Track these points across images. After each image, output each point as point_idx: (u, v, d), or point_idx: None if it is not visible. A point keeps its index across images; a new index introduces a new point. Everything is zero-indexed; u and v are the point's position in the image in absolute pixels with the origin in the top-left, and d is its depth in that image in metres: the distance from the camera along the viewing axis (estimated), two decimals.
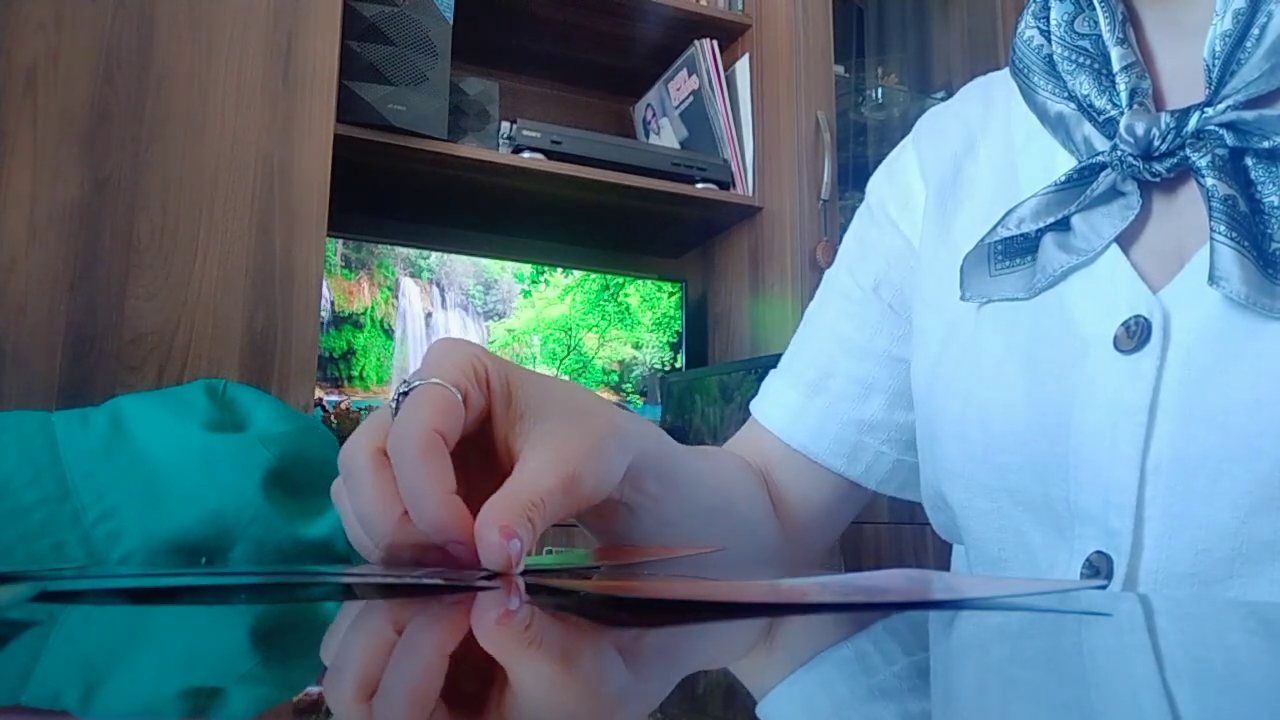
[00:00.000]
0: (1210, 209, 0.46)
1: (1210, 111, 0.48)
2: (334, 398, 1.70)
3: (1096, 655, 0.22)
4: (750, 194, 1.90)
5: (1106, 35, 0.52)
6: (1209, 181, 0.46)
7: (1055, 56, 0.54)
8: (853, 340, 0.65)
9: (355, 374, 1.73)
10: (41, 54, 1.36)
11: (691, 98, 1.96)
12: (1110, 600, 0.33)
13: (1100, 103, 0.51)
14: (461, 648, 0.23)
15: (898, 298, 0.64)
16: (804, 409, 0.66)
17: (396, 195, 1.84)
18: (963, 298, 0.56)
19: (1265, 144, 0.46)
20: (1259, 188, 0.46)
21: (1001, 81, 0.63)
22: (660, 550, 0.46)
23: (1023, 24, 0.57)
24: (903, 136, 0.69)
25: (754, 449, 0.67)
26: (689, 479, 0.53)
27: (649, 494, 0.48)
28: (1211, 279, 0.44)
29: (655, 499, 0.49)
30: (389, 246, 1.80)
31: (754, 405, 0.69)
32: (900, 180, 0.66)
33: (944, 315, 0.59)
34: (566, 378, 0.46)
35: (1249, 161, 0.47)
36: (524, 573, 0.38)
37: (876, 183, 0.68)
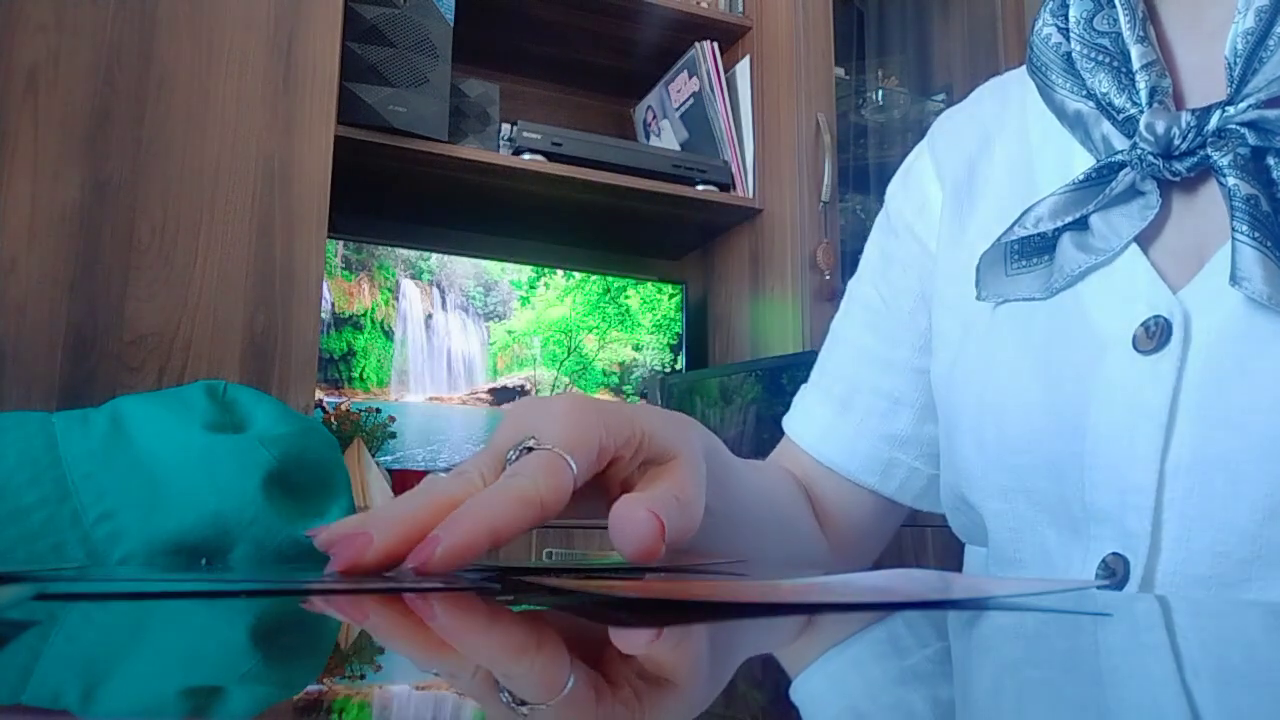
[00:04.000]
0: (1232, 208, 0.45)
1: (1231, 110, 0.47)
2: (334, 399, 1.70)
3: (1094, 655, 0.22)
4: (750, 196, 1.90)
5: (1126, 33, 0.52)
6: (1230, 181, 0.46)
7: (1074, 54, 0.54)
8: (877, 353, 0.65)
9: (355, 375, 1.73)
10: (42, 55, 1.36)
11: (692, 99, 1.96)
12: (1111, 600, 0.33)
13: (1120, 101, 0.51)
14: (455, 648, 0.23)
15: (919, 306, 0.64)
16: (835, 425, 0.65)
17: (397, 197, 1.84)
18: (978, 297, 0.56)
19: None
20: None
21: (1017, 80, 0.63)
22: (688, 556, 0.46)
23: (1040, 22, 0.57)
24: (903, 138, 0.69)
25: (793, 464, 0.67)
26: (744, 492, 0.53)
27: (709, 509, 0.49)
28: (1233, 279, 0.44)
29: (712, 512, 0.49)
30: (389, 248, 1.80)
31: (786, 421, 0.69)
32: (916, 186, 0.65)
33: (960, 316, 0.58)
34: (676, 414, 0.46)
35: (1270, 161, 0.46)
36: (523, 572, 0.38)
37: (893, 191, 0.68)
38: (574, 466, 0.37)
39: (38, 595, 0.28)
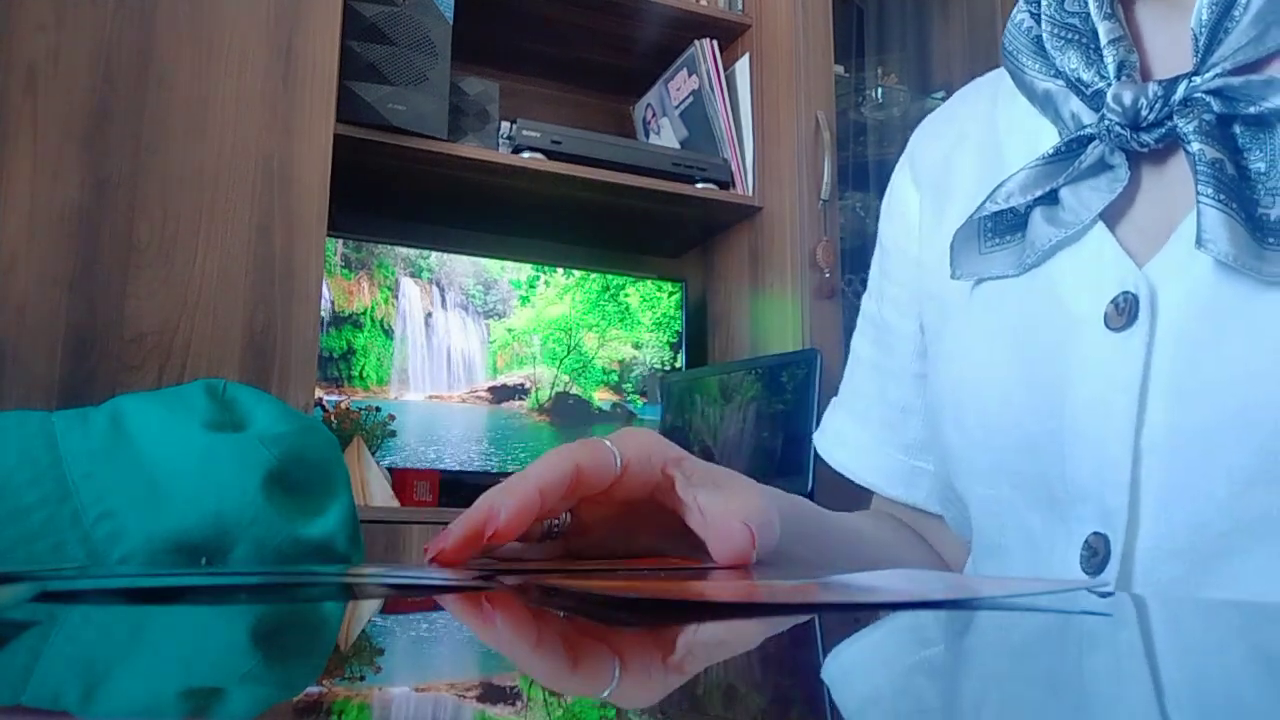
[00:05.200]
0: (1196, 173, 0.45)
1: (1198, 80, 0.47)
2: (334, 398, 1.70)
3: (1090, 655, 0.22)
4: (750, 194, 1.90)
5: (1094, 11, 0.53)
6: (1195, 146, 0.46)
7: (1044, 36, 0.55)
8: (882, 365, 0.67)
9: (355, 374, 1.73)
10: (42, 54, 1.36)
11: (691, 97, 1.96)
12: (1108, 601, 0.33)
13: (1088, 76, 0.51)
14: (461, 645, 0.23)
15: (910, 313, 0.65)
16: (859, 439, 0.67)
17: (396, 195, 1.84)
18: (953, 276, 0.56)
19: (1252, 109, 0.46)
20: (1246, 154, 0.46)
21: (993, 80, 0.64)
22: (684, 560, 0.46)
23: (1015, 9, 0.58)
24: (903, 136, 0.70)
25: (889, 510, 0.68)
26: (840, 537, 0.57)
27: (799, 556, 0.52)
28: (1199, 241, 0.44)
29: (805, 561, 0.53)
30: (389, 246, 1.80)
31: (816, 439, 0.71)
32: (898, 198, 0.67)
33: (940, 304, 0.59)
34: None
35: (1237, 129, 0.47)
36: (523, 573, 0.38)
37: (883, 209, 0.70)
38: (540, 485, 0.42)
39: (38, 595, 0.28)
